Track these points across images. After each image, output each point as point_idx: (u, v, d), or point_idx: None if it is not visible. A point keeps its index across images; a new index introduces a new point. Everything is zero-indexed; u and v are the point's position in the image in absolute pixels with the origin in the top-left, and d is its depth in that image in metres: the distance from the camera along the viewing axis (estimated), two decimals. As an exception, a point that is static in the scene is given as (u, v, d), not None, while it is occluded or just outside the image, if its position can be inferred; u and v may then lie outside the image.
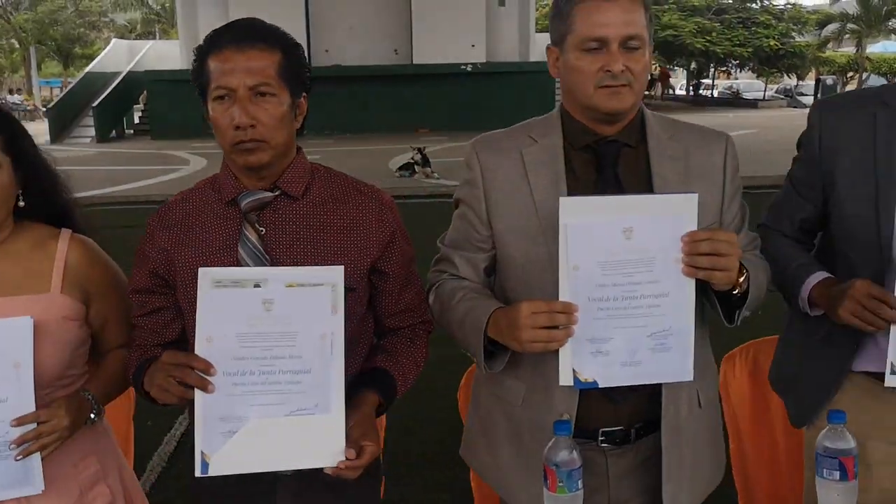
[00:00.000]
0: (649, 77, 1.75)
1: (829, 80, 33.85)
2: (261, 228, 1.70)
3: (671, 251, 1.60)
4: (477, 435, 1.93)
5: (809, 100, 34.03)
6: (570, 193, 1.69)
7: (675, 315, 1.62)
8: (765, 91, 36.36)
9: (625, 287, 1.60)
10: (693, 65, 38.08)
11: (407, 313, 1.86)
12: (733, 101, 35.93)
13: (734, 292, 1.65)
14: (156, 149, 20.89)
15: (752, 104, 33.98)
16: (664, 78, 42.73)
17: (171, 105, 23.52)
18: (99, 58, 29.33)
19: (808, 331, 1.96)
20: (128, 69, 26.68)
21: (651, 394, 1.73)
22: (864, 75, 33.25)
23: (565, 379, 1.62)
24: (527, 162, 1.73)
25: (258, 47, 1.61)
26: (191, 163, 17.51)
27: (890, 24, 31.98)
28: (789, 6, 33.62)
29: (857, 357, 1.89)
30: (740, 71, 39.84)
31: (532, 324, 1.56)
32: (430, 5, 24.56)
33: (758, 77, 35.52)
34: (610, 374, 1.63)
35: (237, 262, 1.68)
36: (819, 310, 1.89)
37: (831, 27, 32.59)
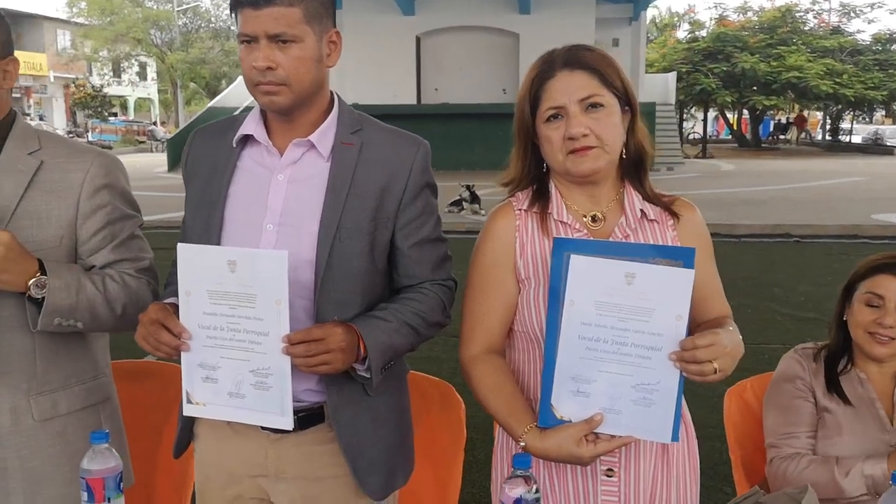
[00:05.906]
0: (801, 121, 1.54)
1: (974, 127, 31.20)
2: None
3: None
4: None
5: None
6: None
7: None
8: (904, 136, 33.86)
9: None
10: (832, 108, 36.03)
11: None
12: (870, 147, 33.78)
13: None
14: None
15: (889, 151, 31.88)
16: (800, 122, 40.57)
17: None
18: (224, 93, 31.10)
19: None
20: (245, 104, 28.09)
21: None
22: None
23: None
24: None
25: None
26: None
27: None
28: (937, 46, 31.23)
29: None
30: (880, 115, 37.42)
31: None
32: (537, 45, 24.45)
33: (893, 122, 33.15)
34: None
35: None
36: None
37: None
